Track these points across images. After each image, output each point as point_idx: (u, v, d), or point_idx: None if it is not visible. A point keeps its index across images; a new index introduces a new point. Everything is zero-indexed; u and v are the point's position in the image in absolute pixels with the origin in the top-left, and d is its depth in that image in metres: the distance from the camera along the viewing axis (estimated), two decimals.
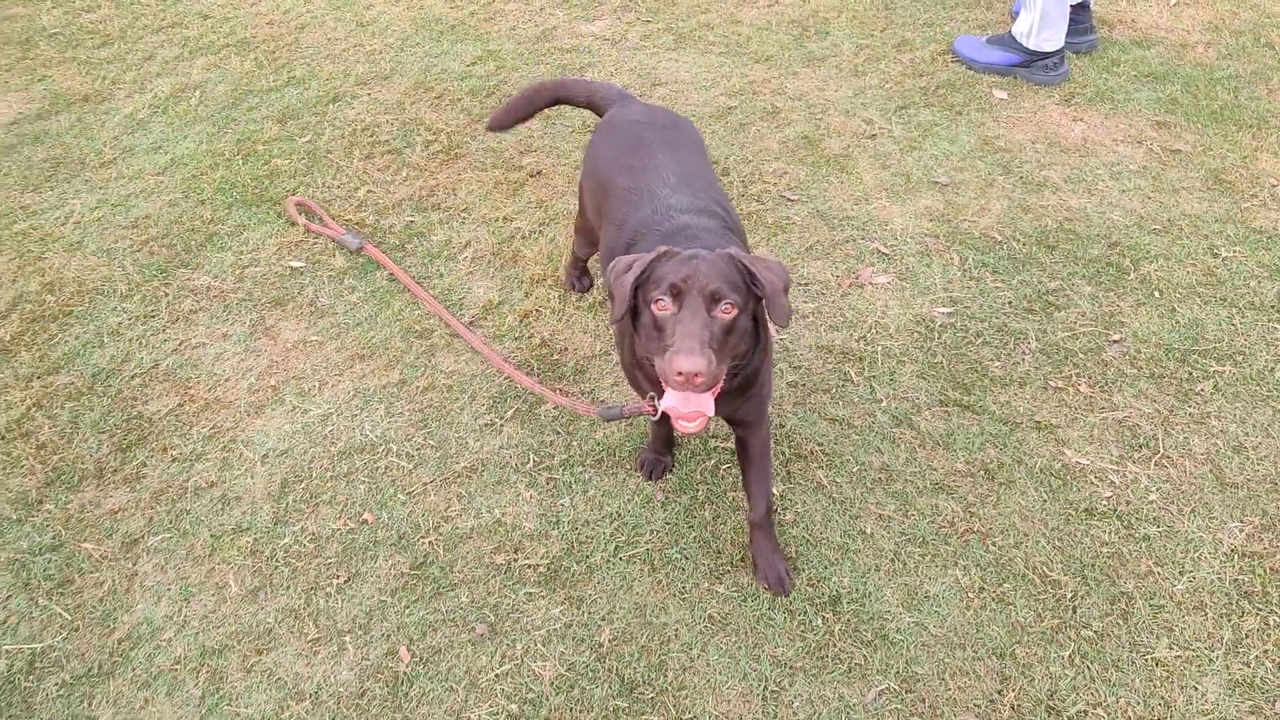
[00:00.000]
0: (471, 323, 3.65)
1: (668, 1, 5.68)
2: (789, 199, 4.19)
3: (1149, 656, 2.58)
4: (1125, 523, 2.90)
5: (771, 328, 2.62)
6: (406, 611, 2.78)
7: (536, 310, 3.70)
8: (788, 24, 5.43)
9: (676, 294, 2.09)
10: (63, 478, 3.15)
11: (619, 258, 2.31)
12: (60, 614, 2.80)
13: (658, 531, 2.95)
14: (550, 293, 3.76)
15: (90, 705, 2.61)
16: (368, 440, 3.25)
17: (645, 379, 2.47)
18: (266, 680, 2.65)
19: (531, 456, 3.18)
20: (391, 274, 3.78)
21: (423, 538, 2.97)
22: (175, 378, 3.48)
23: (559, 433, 3.24)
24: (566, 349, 3.55)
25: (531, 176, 4.36)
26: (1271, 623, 2.64)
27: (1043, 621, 2.66)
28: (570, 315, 3.68)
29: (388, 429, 3.28)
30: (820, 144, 4.50)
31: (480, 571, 2.87)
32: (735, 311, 2.11)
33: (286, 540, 2.97)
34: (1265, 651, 2.58)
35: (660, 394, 2.26)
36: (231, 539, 2.98)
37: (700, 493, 3.05)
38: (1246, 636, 2.62)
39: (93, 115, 4.79)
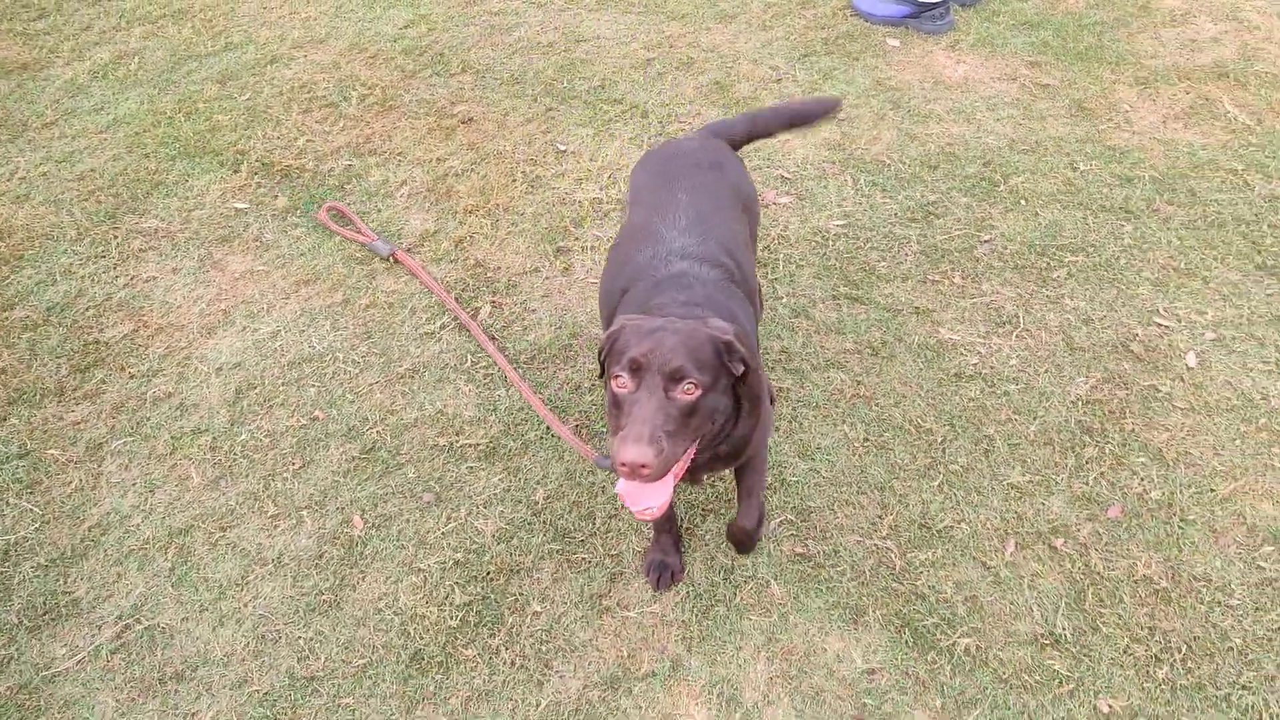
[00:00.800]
0: (409, 249, 3.95)
1: None
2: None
3: (1005, 482, 2.99)
4: (989, 382, 3.31)
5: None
6: (358, 488, 3.08)
7: (470, 236, 4.02)
8: None
9: (635, 370, 1.92)
10: (25, 397, 3.39)
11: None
12: (31, 510, 3.05)
13: (585, 411, 3.29)
14: (483, 221, 4.09)
15: (66, 582, 2.87)
16: (315, 351, 3.54)
17: None
18: (231, 551, 2.93)
19: (469, 358, 3.50)
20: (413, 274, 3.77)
21: (370, 428, 3.27)
22: (129, 308, 3.73)
23: (494, 337, 3.56)
24: (499, 268, 3.87)
25: (463, 123, 4.67)
26: (1107, 451, 3.07)
27: (916, 461, 3.06)
28: (502, 239, 4.00)
29: (333, 341, 3.58)
30: (731, 88, 4.88)
31: (425, 453, 3.18)
32: (698, 392, 1.92)
33: (243, 438, 3.26)
34: (1101, 474, 3.01)
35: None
36: (191, 439, 3.25)
37: None
38: (1086, 463, 3.04)
39: (32, 82, 5.00)
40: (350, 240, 3.90)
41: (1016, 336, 3.50)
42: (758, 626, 2.70)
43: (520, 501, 3.02)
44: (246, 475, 3.13)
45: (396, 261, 3.80)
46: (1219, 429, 3.14)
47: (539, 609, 2.74)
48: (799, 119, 3.13)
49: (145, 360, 3.51)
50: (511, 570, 2.84)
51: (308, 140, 4.57)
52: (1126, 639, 2.62)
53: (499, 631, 2.70)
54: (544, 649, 2.65)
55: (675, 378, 1.90)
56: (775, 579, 2.81)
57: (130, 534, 2.98)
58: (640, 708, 2.52)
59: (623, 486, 1.95)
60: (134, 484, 3.11)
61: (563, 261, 3.90)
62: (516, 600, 2.76)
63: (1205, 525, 2.87)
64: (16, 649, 2.69)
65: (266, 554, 2.91)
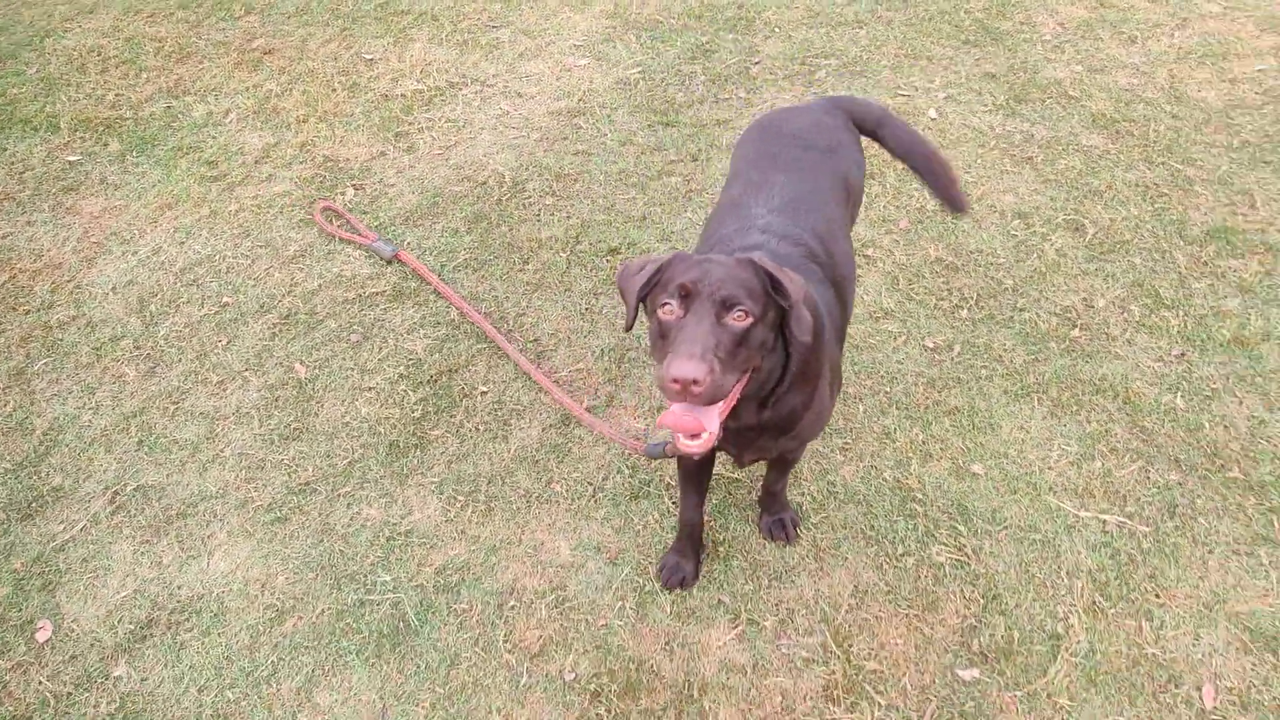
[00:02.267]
0: (256, 162, 4.27)
1: None
2: (494, 26, 5.07)
3: None
4: None
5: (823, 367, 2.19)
6: (289, 345, 3.45)
7: (310, 140, 4.36)
8: None
9: (685, 296, 1.81)
10: None
11: (630, 260, 2.10)
12: None
13: (472, 248, 3.78)
14: (318, 125, 4.44)
15: (40, 477, 3.08)
16: (202, 256, 3.83)
17: None
18: (189, 417, 3.24)
19: (349, 228, 3.89)
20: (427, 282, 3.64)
21: (280, 300, 3.62)
22: None
23: (365, 212, 3.97)
24: (348, 159, 4.26)
25: (265, 54, 4.95)
26: (888, 185, 3.88)
27: None
28: (342, 137, 4.38)
29: (216, 246, 3.87)
30: None
31: (338, 308, 3.58)
32: (749, 320, 1.81)
33: (163, 332, 3.53)
34: (887, 201, 3.82)
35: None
36: (111, 345, 3.49)
37: (496, 220, 3.90)
38: (876, 196, 3.84)
39: None
40: (344, 240, 3.84)
41: None
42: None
43: (439, 323, 3.48)
44: (179, 360, 3.41)
45: (400, 262, 3.71)
46: (964, 155, 4.02)
47: (485, 389, 3.24)
48: (927, 177, 2.74)
49: (35, 298, 3.68)
50: (450, 370, 3.31)
51: (116, 94, 4.72)
52: (933, 299, 3.42)
53: (457, 412, 3.17)
54: (499, 414, 3.16)
55: (727, 304, 1.79)
56: None
57: (86, 428, 3.21)
58: (589, 434, 3.07)
59: (670, 414, 1.79)
60: (70, 392, 3.33)
61: (405, 143, 4.33)
62: (463, 388, 3.25)
63: (968, 218, 3.72)
64: (15, 537, 2.91)
65: (224, 411, 3.24)
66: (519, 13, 5.16)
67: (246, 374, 3.35)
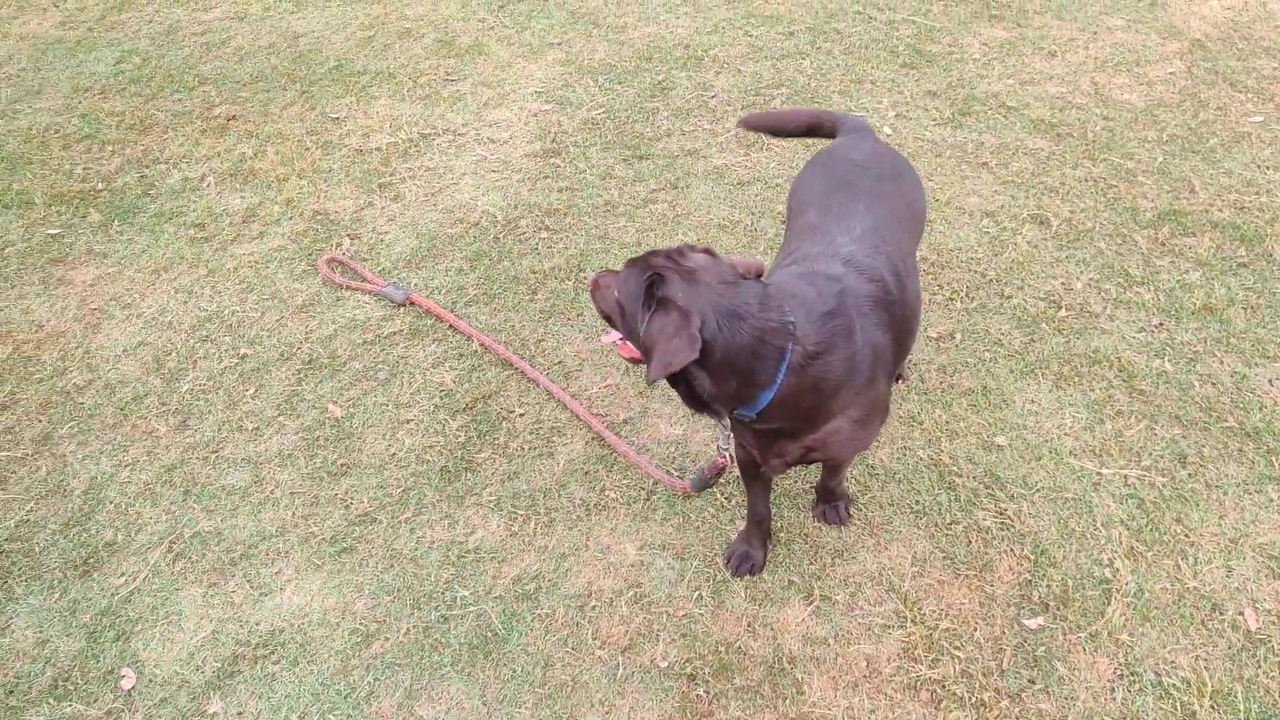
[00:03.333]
0: (244, 221, 4.31)
1: None
2: (452, 80, 5.23)
3: None
4: (764, 183, 4.31)
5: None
6: (319, 387, 3.50)
7: (294, 198, 4.43)
8: None
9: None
10: None
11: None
12: (13, 500, 3.17)
13: (479, 284, 3.90)
14: (299, 183, 4.51)
15: (90, 535, 3.05)
16: (209, 312, 3.85)
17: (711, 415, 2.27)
18: (230, 464, 3.26)
19: (354, 278, 3.97)
20: (437, 317, 3.70)
21: (300, 347, 3.67)
22: None
23: (365, 259, 4.05)
24: (337, 212, 4.34)
25: (229, 120, 5.01)
26: None
27: (741, 245, 3.98)
28: (325, 192, 4.46)
29: (221, 302, 3.90)
30: (454, 42, 5.58)
31: (359, 349, 3.65)
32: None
33: (186, 387, 3.54)
34: None
35: (725, 438, 2.47)
36: (136, 404, 3.49)
37: (490, 245, 4.04)
38: None
39: None
40: (353, 290, 3.89)
41: (765, 150, 4.53)
42: None
43: (462, 355, 3.59)
44: (209, 412, 3.43)
45: (412, 304, 3.76)
46: (925, 164, 4.34)
47: (521, 411, 3.35)
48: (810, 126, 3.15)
49: (45, 366, 3.64)
50: (484, 397, 3.41)
51: (85, 168, 4.71)
52: (929, 294, 3.68)
53: (499, 435, 3.28)
54: (540, 433, 3.27)
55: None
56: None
57: (127, 484, 3.20)
58: (633, 437, 3.21)
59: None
60: (103, 452, 3.31)
61: (390, 193, 4.44)
62: (500, 412, 3.35)
63: (942, 219, 4.02)
64: (78, 593, 2.88)
65: (266, 455, 3.27)
66: (474, 66, 5.33)
67: (281, 419, 3.39)
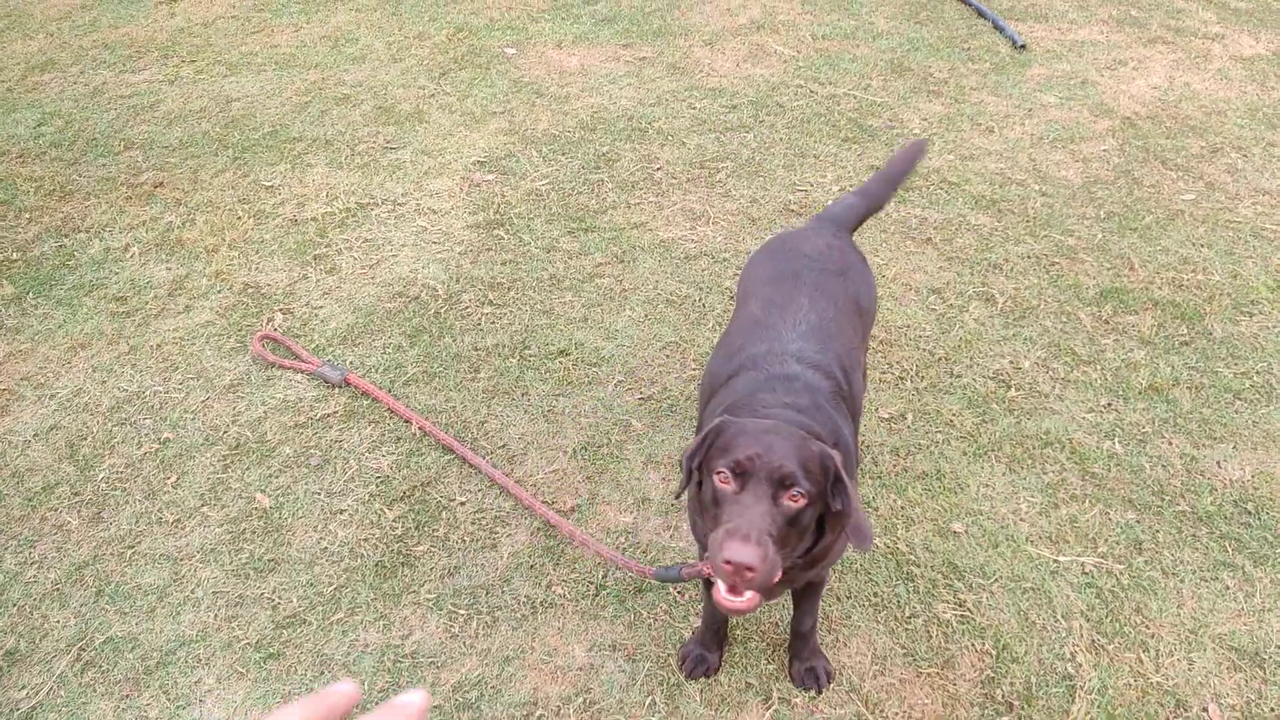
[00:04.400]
0: (170, 295, 4.12)
1: (203, 42, 6.29)
2: (392, 148, 5.12)
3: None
4: (711, 257, 4.26)
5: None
6: (245, 476, 3.31)
7: (224, 270, 4.26)
8: (318, 39, 6.32)
9: (739, 472, 1.82)
10: None
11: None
12: None
13: (419, 362, 3.75)
14: (229, 254, 4.34)
15: None
16: (128, 393, 3.64)
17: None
18: (148, 561, 3.05)
19: (286, 355, 3.79)
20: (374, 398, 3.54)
21: (226, 430, 3.48)
22: None
23: (299, 335, 3.89)
24: (269, 284, 4.17)
25: (156, 187, 4.82)
26: None
27: (689, 320, 3.90)
28: (257, 264, 4.29)
29: (142, 382, 3.70)
30: (394, 109, 5.48)
31: (290, 433, 3.47)
32: (803, 502, 1.82)
33: (102, 475, 3.32)
34: None
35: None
36: (46, 495, 3.26)
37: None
38: None
39: None
40: (286, 369, 3.71)
41: (712, 224, 4.49)
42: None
43: (400, 438, 3.43)
44: (125, 502, 3.22)
45: (349, 385, 3.60)
46: (870, 239, 4.32)
47: (463, 499, 3.20)
48: (902, 173, 3.06)
49: None
50: (423, 484, 3.25)
51: (0, 236, 4.48)
52: (878, 373, 3.63)
53: (439, 526, 3.12)
54: (482, 522, 3.12)
55: (784, 484, 1.80)
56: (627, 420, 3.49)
57: (33, 584, 2.97)
58: (582, 524, 3.07)
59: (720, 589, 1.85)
60: (7, 548, 3.08)
61: (325, 265, 4.29)
62: (440, 501, 3.19)
63: (889, 296, 3.99)
64: None
65: (188, 550, 3.06)
66: (415, 134, 5.24)
67: (204, 510, 3.19)
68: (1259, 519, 3.04)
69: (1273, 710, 2.55)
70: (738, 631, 2.78)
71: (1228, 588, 2.85)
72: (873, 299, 2.73)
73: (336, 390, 3.60)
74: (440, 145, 5.13)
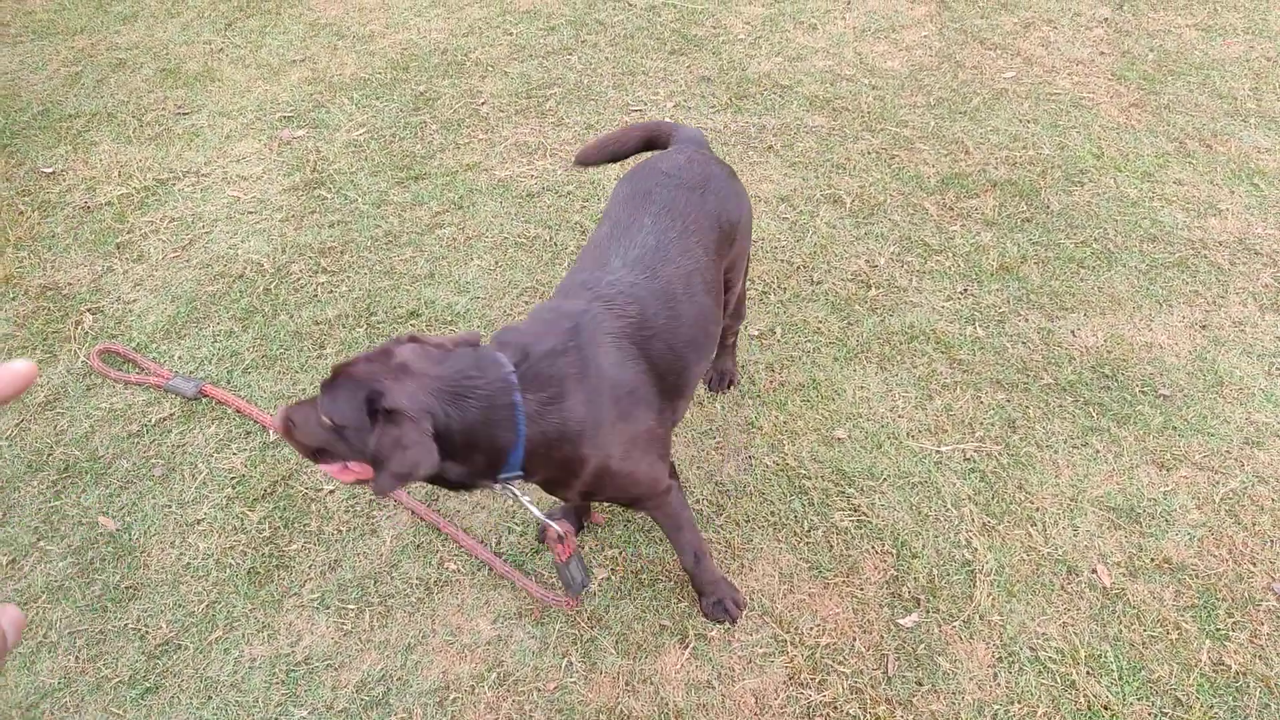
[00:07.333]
0: None
1: None
2: (185, 113, 4.67)
3: None
4: (555, 192, 4.08)
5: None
6: (82, 498, 2.99)
7: (14, 273, 3.81)
8: (78, 0, 5.67)
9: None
10: None
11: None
12: None
13: (255, 346, 3.46)
14: (17, 254, 3.88)
15: None
16: None
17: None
18: None
19: (132, 370, 3.43)
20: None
21: (52, 453, 3.13)
22: None
23: (115, 335, 3.52)
24: (71, 283, 3.75)
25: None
26: None
27: (543, 261, 3.73)
28: (53, 261, 3.85)
29: None
30: (180, 69, 4.99)
31: (125, 444, 3.15)
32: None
33: None
34: None
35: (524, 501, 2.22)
36: None
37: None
38: None
39: None
40: (139, 385, 3.34)
41: (550, 156, 4.30)
42: None
43: (250, 433, 3.17)
44: None
45: (206, 397, 3.27)
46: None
47: (331, 488, 2.99)
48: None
49: None
50: (285, 477, 3.02)
51: None
52: (752, 294, 3.57)
53: (310, 520, 2.90)
54: (357, 509, 2.92)
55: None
56: None
57: None
58: (461, 504, 2.92)
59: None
60: None
61: (131, 253, 3.89)
62: (306, 493, 2.97)
63: None
64: None
65: (32, 590, 2.75)
66: (208, 94, 4.79)
67: (42, 544, 2.87)
68: (1116, 381, 3.15)
69: (1152, 560, 2.67)
70: (644, 575, 2.71)
71: (1098, 451, 2.96)
72: (741, 212, 2.56)
73: (167, 399, 3.28)
74: (239, 104, 4.71)
